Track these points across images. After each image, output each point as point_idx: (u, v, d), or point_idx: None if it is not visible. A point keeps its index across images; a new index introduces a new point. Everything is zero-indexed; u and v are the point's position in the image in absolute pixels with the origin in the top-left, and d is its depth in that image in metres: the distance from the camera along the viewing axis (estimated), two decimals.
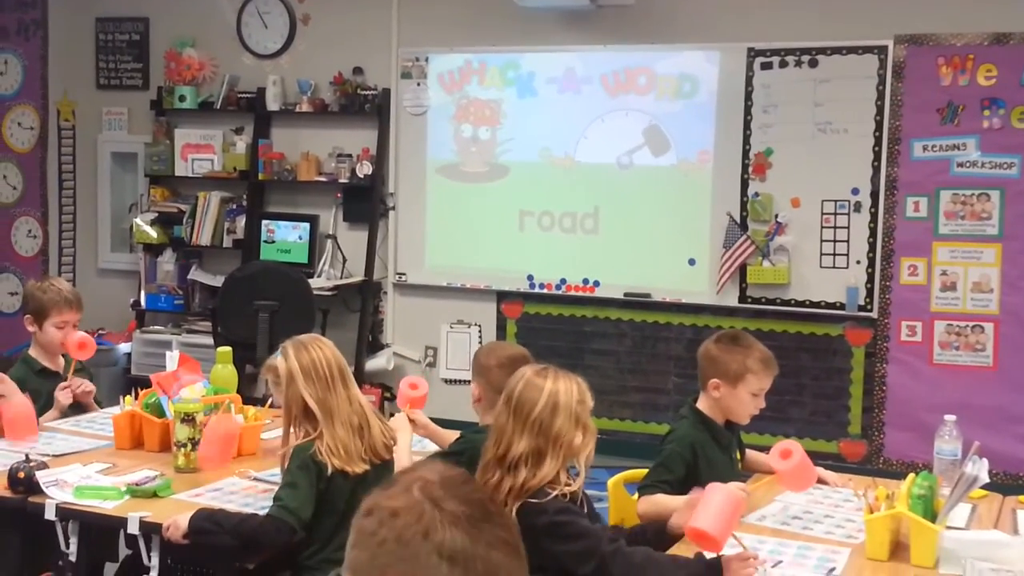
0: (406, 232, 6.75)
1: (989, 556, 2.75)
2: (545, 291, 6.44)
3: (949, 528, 2.91)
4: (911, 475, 2.94)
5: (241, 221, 6.98)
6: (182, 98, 7.06)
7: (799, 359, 5.95)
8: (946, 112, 5.68)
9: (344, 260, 6.74)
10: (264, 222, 6.94)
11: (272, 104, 6.91)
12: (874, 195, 5.78)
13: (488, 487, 2.63)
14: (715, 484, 2.73)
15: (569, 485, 2.69)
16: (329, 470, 2.97)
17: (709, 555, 2.60)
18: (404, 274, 6.74)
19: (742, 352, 3.37)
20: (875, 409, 5.82)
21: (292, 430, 3.09)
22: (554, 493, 2.64)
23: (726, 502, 2.65)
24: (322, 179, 6.81)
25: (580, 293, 6.37)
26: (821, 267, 5.89)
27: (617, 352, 6.32)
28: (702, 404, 3.39)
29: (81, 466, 3.33)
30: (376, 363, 6.58)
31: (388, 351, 6.66)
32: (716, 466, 3.27)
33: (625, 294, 6.27)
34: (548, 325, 6.44)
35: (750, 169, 6.02)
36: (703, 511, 2.63)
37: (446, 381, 6.55)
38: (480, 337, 6.48)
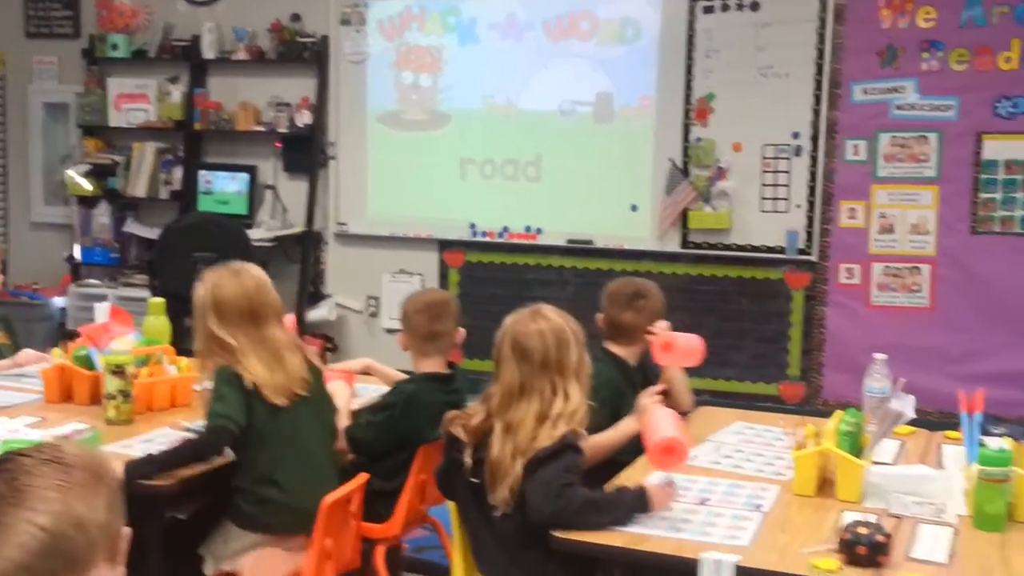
0: (347, 182, 6.67)
1: (913, 490, 2.79)
2: (487, 239, 6.41)
3: (875, 464, 2.95)
4: (838, 412, 2.97)
5: (178, 172, 6.87)
6: (115, 47, 6.91)
7: (740, 303, 5.99)
8: (886, 55, 5.68)
9: (284, 211, 6.66)
10: (201, 173, 6.83)
11: (208, 52, 6.78)
12: (814, 139, 5.80)
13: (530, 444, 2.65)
14: (655, 408, 2.80)
15: None
16: (251, 387, 2.95)
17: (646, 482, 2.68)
18: (345, 224, 6.68)
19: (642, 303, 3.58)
20: (814, 351, 5.87)
21: (206, 362, 3.05)
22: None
23: (676, 417, 2.72)
24: (261, 129, 6.71)
25: (522, 241, 6.35)
26: (762, 211, 5.90)
27: (560, 299, 6.21)
28: (610, 345, 3.49)
29: (8, 420, 3.28)
30: (318, 313, 6.53)
31: (330, 301, 6.61)
32: (630, 402, 3.31)
33: (567, 241, 6.25)
34: (491, 273, 6.42)
35: (692, 114, 6.01)
36: (661, 426, 2.67)
37: (388, 331, 6.51)
38: (423, 287, 6.45)
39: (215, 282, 3.06)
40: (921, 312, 5.67)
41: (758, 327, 5.97)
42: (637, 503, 2.60)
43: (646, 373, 3.57)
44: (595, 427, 3.15)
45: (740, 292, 6.00)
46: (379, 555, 3.31)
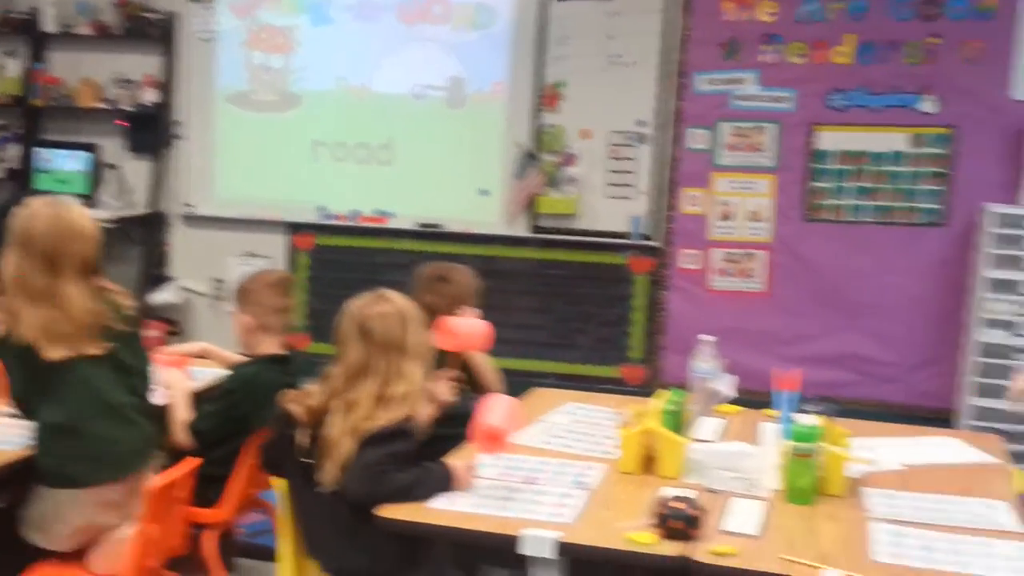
0: (194, 162, 6.55)
1: (730, 466, 2.90)
2: (338, 222, 6.38)
3: (697, 441, 3.07)
4: (663, 392, 3.07)
5: (14, 150, 6.63)
6: None
7: (585, 287, 6.11)
8: (728, 47, 5.86)
9: (128, 191, 6.50)
10: (40, 151, 6.61)
11: (49, 26, 6.56)
12: (659, 127, 5.94)
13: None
14: (496, 393, 2.85)
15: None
16: (23, 343, 2.88)
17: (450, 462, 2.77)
18: (192, 205, 6.56)
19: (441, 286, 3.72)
20: (656, 334, 6.04)
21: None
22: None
23: (507, 403, 2.78)
24: (103, 106, 6.53)
25: (373, 224, 6.34)
26: (608, 197, 6.03)
27: (409, 283, 6.31)
28: None
29: None
30: (161, 297, 6.40)
31: (174, 284, 6.48)
32: None
33: (418, 225, 6.27)
34: (341, 257, 6.39)
35: (542, 101, 6.09)
36: (491, 413, 2.73)
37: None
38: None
39: (34, 213, 2.97)
40: (757, 296, 5.89)
41: (602, 311, 6.10)
42: (442, 481, 2.68)
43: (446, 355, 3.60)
44: None
45: (585, 276, 6.11)
46: (209, 540, 3.29)
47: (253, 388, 3.34)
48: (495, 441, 2.72)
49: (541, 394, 3.75)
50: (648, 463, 2.94)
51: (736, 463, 2.93)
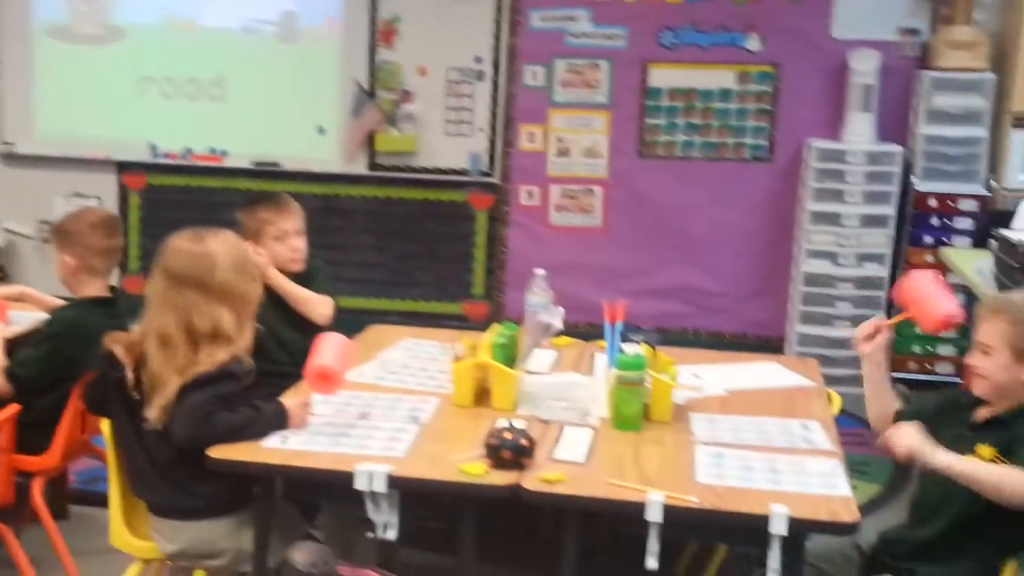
0: (12, 98, 6.24)
1: (562, 396, 2.97)
2: (169, 161, 6.19)
3: (530, 373, 3.12)
4: (495, 326, 3.11)
5: None
6: None
7: (426, 225, 6.11)
8: None
9: None
10: None
11: None
12: (495, 64, 5.93)
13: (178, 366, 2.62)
14: (329, 332, 2.82)
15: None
16: None
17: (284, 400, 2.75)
18: (12, 143, 6.26)
19: (252, 210, 3.58)
20: (497, 270, 6.09)
21: None
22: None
23: (339, 343, 2.75)
24: None
25: (207, 163, 6.18)
26: (446, 135, 6.01)
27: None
28: None
29: None
30: None
31: None
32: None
33: (254, 163, 6.14)
34: (174, 197, 6.21)
35: (378, 37, 6.00)
36: (321, 352, 2.70)
37: None
38: None
39: None
40: (595, 232, 5.99)
41: (443, 248, 6.11)
42: (275, 420, 2.66)
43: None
44: None
45: (426, 214, 6.11)
46: (36, 488, 3.20)
47: (74, 331, 3.24)
48: (328, 381, 2.71)
49: (378, 331, 3.74)
50: (482, 396, 2.98)
51: (567, 394, 3.00)
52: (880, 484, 4.41)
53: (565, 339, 3.59)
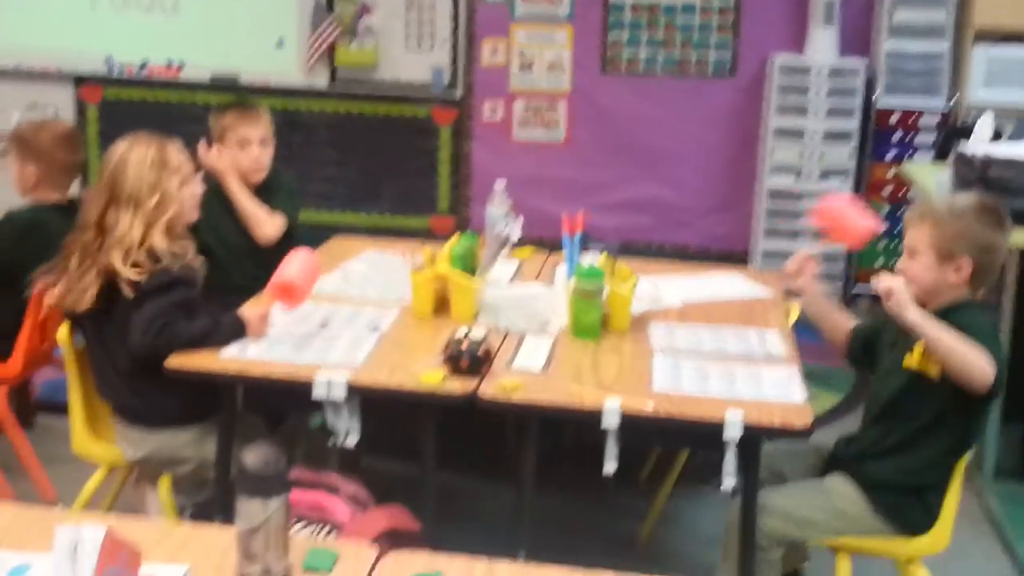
0: None
1: (522, 307, 2.98)
2: (126, 75, 6.08)
3: (490, 284, 3.13)
4: (455, 236, 3.10)
5: None
6: None
7: (390, 140, 6.05)
8: None
9: None
10: None
11: None
12: None
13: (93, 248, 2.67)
14: (299, 248, 2.81)
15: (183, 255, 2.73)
16: None
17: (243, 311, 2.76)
18: None
19: (219, 113, 3.57)
20: (461, 185, 6.06)
21: None
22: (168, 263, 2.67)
23: (306, 258, 2.74)
24: None
25: (164, 77, 6.07)
26: (408, 49, 5.93)
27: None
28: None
29: None
30: None
31: None
32: (216, 217, 3.40)
33: (212, 77, 6.04)
34: (132, 111, 6.11)
35: None
36: (288, 266, 2.70)
37: None
38: None
39: None
40: (557, 146, 5.96)
41: (408, 163, 6.06)
42: (234, 331, 2.66)
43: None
44: None
45: (389, 129, 6.04)
46: (0, 397, 3.19)
47: (30, 230, 3.22)
48: (291, 295, 2.70)
49: (341, 242, 3.73)
50: (442, 306, 2.98)
51: (527, 304, 3.01)
52: (840, 393, 4.48)
53: (527, 250, 3.60)
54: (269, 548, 1.65)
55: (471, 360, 2.53)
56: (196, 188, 2.87)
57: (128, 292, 2.62)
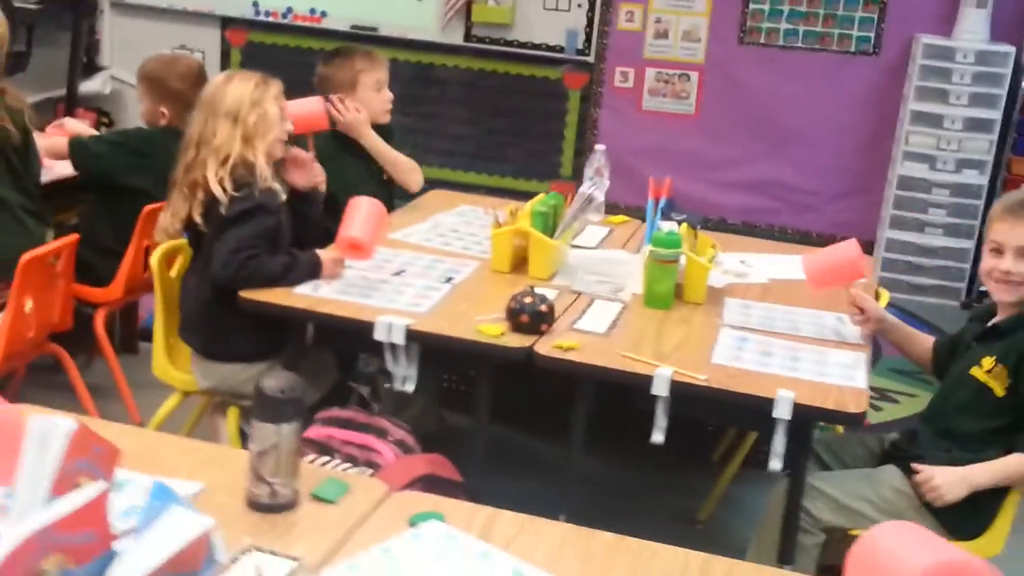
0: None
1: (600, 270, 2.98)
2: (271, 19, 6.26)
3: (575, 246, 3.14)
4: (540, 195, 3.11)
5: None
6: None
7: (518, 101, 6.07)
8: None
9: None
10: None
11: None
12: None
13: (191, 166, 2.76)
14: (360, 197, 2.85)
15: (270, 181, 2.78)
16: None
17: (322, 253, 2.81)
18: None
19: (346, 60, 3.52)
20: (586, 152, 6.03)
21: None
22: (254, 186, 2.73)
23: (370, 212, 2.79)
24: None
25: (307, 23, 6.23)
26: (544, 8, 5.92)
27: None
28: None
29: None
30: (92, 86, 6.30)
31: (105, 74, 6.39)
32: (352, 172, 3.41)
33: (352, 27, 6.16)
34: (274, 56, 6.29)
35: None
36: (351, 222, 2.75)
37: None
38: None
39: None
40: (686, 119, 5.88)
41: (534, 125, 6.08)
42: (310, 270, 2.73)
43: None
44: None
45: (520, 90, 6.06)
46: (98, 319, 3.35)
47: (149, 142, 3.36)
48: (358, 251, 2.75)
49: (438, 195, 3.78)
50: (521, 264, 2.99)
51: (606, 268, 3.01)
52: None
53: (619, 217, 3.58)
54: (279, 472, 1.70)
55: (532, 316, 2.54)
56: (288, 126, 2.94)
57: (217, 211, 2.70)
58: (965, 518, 2.44)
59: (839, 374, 2.48)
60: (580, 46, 5.91)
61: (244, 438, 2.89)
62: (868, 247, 5.60)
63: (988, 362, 2.43)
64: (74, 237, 3.08)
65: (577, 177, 6.07)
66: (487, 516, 1.75)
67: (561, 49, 5.93)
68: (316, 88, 3.46)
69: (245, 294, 2.63)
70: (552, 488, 2.65)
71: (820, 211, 5.84)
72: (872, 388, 4.20)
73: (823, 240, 5.73)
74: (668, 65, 5.84)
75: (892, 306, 3.14)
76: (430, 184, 3.74)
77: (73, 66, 6.24)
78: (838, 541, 2.50)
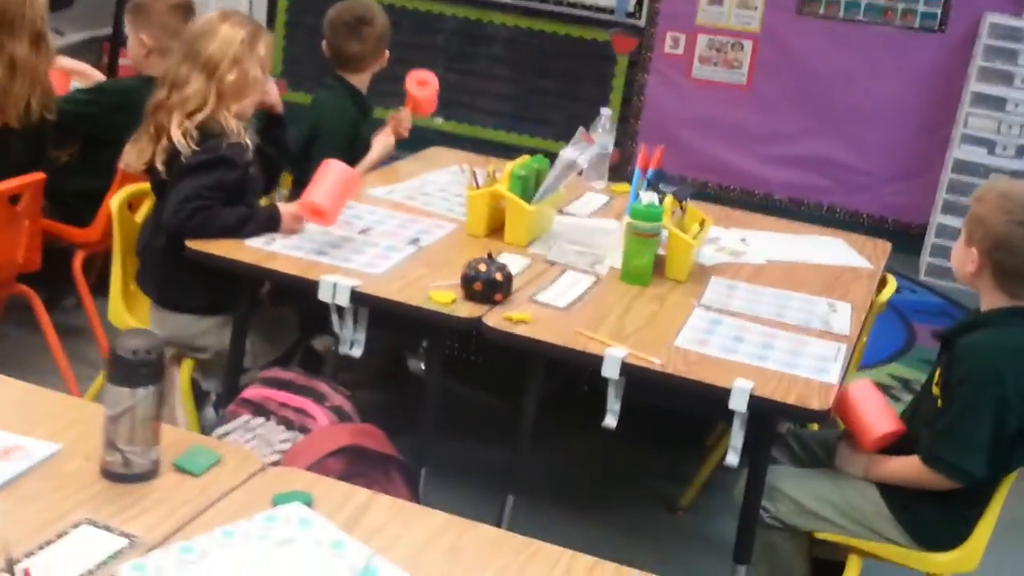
0: None
1: (582, 240, 2.80)
2: None
3: (566, 213, 2.97)
4: (524, 156, 2.93)
5: None
6: None
7: (565, 62, 5.87)
8: None
9: None
10: None
11: None
12: None
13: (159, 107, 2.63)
14: (330, 160, 2.70)
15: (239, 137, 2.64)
16: None
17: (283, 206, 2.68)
18: None
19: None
20: (631, 119, 5.82)
21: None
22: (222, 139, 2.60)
23: (339, 178, 2.63)
24: None
25: None
26: None
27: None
28: (342, 73, 3.36)
29: None
30: None
31: None
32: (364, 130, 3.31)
33: None
34: (321, 3, 6.15)
35: None
36: (316, 186, 2.61)
37: None
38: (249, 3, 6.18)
39: None
40: (737, 89, 5.62)
41: (580, 88, 5.88)
42: (267, 223, 2.60)
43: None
44: (334, 156, 3.03)
45: (566, 51, 5.87)
46: (76, 261, 3.27)
47: (126, 94, 3.26)
48: (320, 216, 2.60)
49: (436, 152, 3.62)
50: (501, 229, 2.82)
51: (589, 239, 2.84)
52: None
53: (623, 186, 3.39)
54: (133, 439, 1.58)
55: (485, 284, 2.38)
56: (271, 88, 2.81)
57: (179, 160, 2.59)
58: (936, 530, 2.23)
59: (810, 366, 2.27)
60: (631, 8, 5.68)
61: (198, 393, 2.79)
62: (920, 231, 5.33)
63: (937, 374, 2.23)
64: (38, 176, 2.98)
65: (619, 144, 5.87)
66: (361, 501, 1.61)
67: (611, 11, 5.71)
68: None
69: (192, 244, 2.51)
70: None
71: (872, 192, 5.56)
72: (897, 378, 4.06)
73: (873, 222, 5.46)
74: (721, 33, 5.59)
75: (933, 291, 2.90)
76: (471, 145, 3.57)
77: (120, 5, 6.20)
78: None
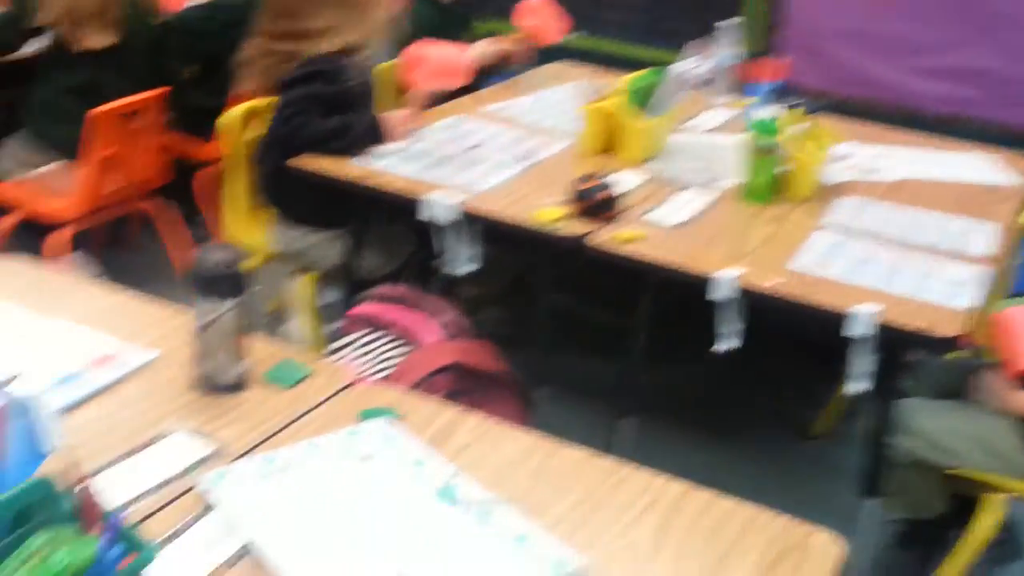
0: None
1: (701, 157, 2.68)
2: None
3: (683, 129, 2.84)
4: (643, 71, 2.80)
5: None
6: None
7: None
8: None
9: None
10: None
11: None
12: None
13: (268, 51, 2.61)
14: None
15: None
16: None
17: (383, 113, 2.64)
18: None
19: None
20: (775, 27, 5.53)
21: None
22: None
23: (447, 54, 2.61)
24: None
25: None
26: None
27: None
28: None
29: None
30: None
31: None
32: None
33: None
34: None
35: None
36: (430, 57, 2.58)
37: None
38: None
39: None
40: None
41: None
42: (370, 133, 2.54)
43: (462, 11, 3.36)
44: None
45: None
46: (197, 178, 3.30)
47: (239, 13, 3.24)
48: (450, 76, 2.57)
49: (559, 68, 3.50)
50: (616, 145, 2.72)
51: (707, 155, 2.70)
52: None
53: (742, 101, 3.22)
54: (220, 351, 1.56)
55: (590, 203, 2.28)
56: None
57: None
58: None
59: (942, 291, 2.11)
60: None
61: (330, 305, 2.78)
62: None
63: None
64: (157, 91, 2.99)
65: (757, 57, 5.63)
66: (449, 419, 1.56)
67: None
68: None
69: (292, 162, 2.48)
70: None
71: None
72: None
73: None
74: None
75: None
76: (598, 59, 3.42)
77: None
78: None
